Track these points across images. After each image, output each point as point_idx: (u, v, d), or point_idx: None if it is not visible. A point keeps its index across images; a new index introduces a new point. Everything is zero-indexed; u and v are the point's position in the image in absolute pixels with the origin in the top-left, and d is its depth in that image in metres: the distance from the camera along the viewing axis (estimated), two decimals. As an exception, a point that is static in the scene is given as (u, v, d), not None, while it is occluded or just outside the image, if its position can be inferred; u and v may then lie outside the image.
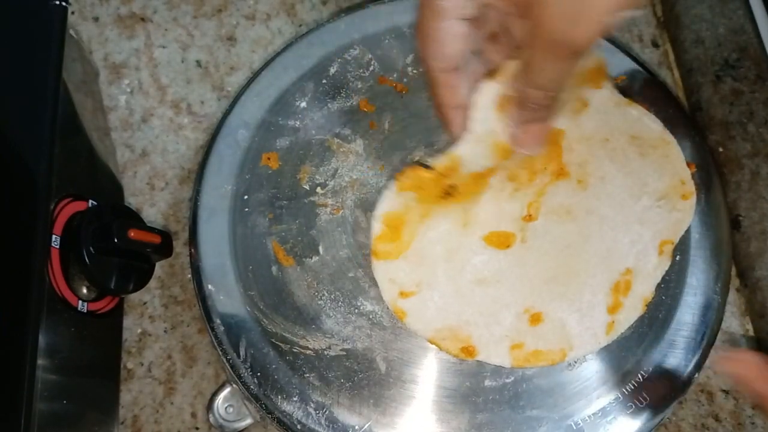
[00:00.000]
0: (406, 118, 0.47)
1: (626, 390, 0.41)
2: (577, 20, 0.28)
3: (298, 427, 0.40)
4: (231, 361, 0.42)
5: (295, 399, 0.41)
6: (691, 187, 0.42)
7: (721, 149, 0.50)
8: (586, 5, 0.28)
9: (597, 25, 0.28)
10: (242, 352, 0.42)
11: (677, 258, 0.44)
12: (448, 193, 0.38)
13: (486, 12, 0.34)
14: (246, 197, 0.45)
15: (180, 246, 0.49)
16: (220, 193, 0.45)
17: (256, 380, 0.41)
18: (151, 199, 0.51)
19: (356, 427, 0.40)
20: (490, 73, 0.36)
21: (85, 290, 0.42)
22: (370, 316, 0.42)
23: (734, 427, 0.46)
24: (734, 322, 0.48)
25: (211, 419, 0.44)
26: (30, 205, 0.38)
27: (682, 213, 0.42)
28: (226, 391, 0.44)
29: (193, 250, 0.44)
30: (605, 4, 0.28)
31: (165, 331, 0.48)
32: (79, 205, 0.42)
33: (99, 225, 0.41)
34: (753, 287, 0.48)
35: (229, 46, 0.55)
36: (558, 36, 0.29)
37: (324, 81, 0.48)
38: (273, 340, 0.42)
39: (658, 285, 0.41)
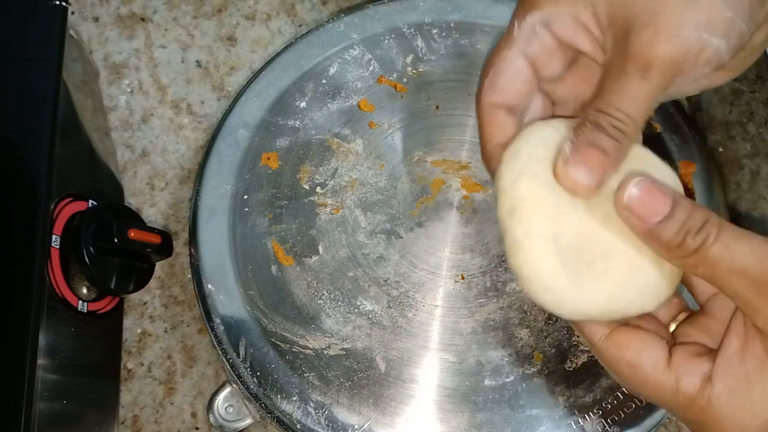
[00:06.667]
0: (405, 118, 0.47)
1: (627, 389, 0.41)
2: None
3: (298, 426, 0.40)
4: (231, 361, 0.42)
5: (294, 398, 0.41)
6: None
7: (721, 149, 0.50)
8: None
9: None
10: (242, 352, 0.42)
11: (677, 258, 0.44)
12: None
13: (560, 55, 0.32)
14: (246, 197, 0.45)
15: (180, 246, 0.49)
16: (220, 193, 0.45)
17: (255, 380, 0.41)
18: (151, 199, 0.51)
19: (356, 427, 0.40)
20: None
21: (85, 290, 0.42)
22: (370, 316, 0.42)
23: (734, 427, 0.46)
24: (734, 321, 0.48)
25: (211, 419, 0.44)
26: (30, 205, 0.38)
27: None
28: (226, 391, 0.44)
29: (193, 250, 0.44)
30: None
31: (165, 331, 0.48)
32: (79, 205, 0.42)
33: (99, 225, 0.41)
34: (753, 287, 0.48)
35: (229, 46, 0.55)
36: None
37: (324, 81, 0.48)
38: (273, 340, 0.42)
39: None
